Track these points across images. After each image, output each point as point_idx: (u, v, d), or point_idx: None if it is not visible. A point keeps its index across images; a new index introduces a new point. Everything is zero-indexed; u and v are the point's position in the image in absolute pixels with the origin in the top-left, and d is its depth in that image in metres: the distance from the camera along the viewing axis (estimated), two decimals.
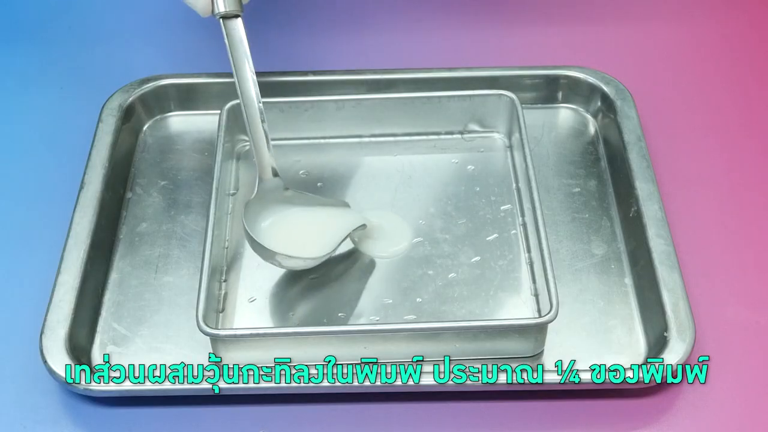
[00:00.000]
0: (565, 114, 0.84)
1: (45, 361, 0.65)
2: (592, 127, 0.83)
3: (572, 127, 0.83)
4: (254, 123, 0.72)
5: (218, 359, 0.67)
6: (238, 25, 0.72)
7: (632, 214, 0.74)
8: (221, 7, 0.72)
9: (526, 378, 0.65)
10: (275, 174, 0.73)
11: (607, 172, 0.79)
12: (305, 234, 0.72)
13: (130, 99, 0.82)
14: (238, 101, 0.76)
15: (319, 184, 0.78)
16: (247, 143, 0.81)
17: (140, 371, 0.66)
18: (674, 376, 0.65)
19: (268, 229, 0.71)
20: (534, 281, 0.71)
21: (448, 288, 0.71)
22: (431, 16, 0.93)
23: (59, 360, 0.65)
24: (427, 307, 0.70)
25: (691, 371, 0.67)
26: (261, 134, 0.72)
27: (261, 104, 0.72)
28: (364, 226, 0.73)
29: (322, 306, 0.71)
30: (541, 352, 0.68)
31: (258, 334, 0.66)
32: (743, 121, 0.84)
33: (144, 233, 0.76)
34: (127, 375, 0.66)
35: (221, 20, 0.72)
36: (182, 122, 0.84)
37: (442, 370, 0.66)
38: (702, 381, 0.67)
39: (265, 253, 0.69)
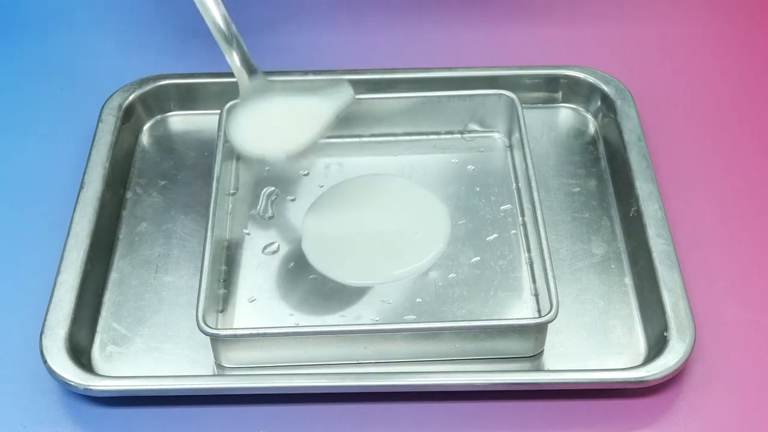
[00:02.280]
0: (565, 114, 0.84)
1: (45, 361, 0.65)
2: (592, 127, 0.83)
3: (572, 127, 0.83)
4: (214, 27, 0.71)
5: (218, 359, 0.67)
6: None
7: (632, 214, 0.74)
8: None
9: (526, 378, 0.65)
10: (253, 71, 0.72)
11: (607, 171, 0.79)
12: (286, 123, 0.71)
13: (130, 99, 0.82)
14: (238, 101, 0.76)
15: (319, 185, 0.78)
16: None
17: (140, 371, 0.67)
18: (674, 376, 0.65)
19: (244, 127, 0.71)
20: (534, 281, 0.71)
21: (448, 288, 0.71)
22: (431, 16, 0.93)
23: (59, 360, 0.65)
24: (427, 307, 0.70)
25: (691, 371, 0.67)
26: (224, 42, 0.71)
27: (223, 8, 0.71)
28: (353, 99, 0.71)
29: (322, 306, 0.71)
30: (541, 352, 0.68)
31: (258, 334, 0.66)
32: (743, 121, 0.84)
33: (144, 233, 0.76)
34: (127, 375, 0.66)
35: None
36: (182, 122, 0.84)
37: (442, 370, 0.66)
38: (702, 381, 0.67)
39: (247, 151, 0.69)
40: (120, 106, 0.81)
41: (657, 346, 0.67)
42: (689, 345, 0.65)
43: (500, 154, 0.81)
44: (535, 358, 0.67)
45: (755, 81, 0.87)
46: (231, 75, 0.83)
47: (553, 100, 0.84)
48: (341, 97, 0.72)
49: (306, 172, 0.79)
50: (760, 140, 0.82)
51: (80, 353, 0.67)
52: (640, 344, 0.68)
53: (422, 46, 0.90)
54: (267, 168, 0.79)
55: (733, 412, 0.66)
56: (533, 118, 0.82)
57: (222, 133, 0.76)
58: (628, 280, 0.72)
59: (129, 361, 0.68)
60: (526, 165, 0.74)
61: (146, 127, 0.84)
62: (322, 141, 0.81)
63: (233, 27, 0.72)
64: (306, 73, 0.83)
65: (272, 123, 0.71)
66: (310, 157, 0.73)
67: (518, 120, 0.77)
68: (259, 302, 0.71)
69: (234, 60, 0.72)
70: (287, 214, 0.76)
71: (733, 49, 0.90)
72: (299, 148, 0.70)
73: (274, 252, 0.74)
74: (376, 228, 0.74)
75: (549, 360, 0.67)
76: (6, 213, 0.78)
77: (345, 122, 0.80)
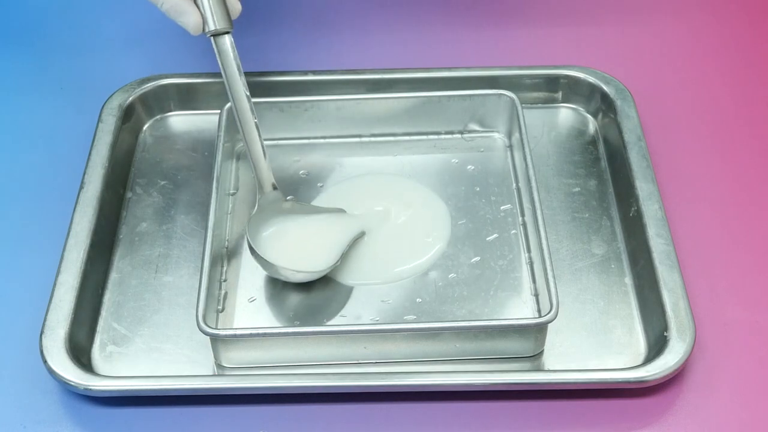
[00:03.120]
0: (565, 114, 0.84)
1: (45, 361, 0.65)
2: (592, 127, 0.83)
3: (572, 127, 0.83)
4: (252, 139, 0.72)
5: (218, 359, 0.67)
6: (229, 41, 0.72)
7: (632, 214, 0.74)
8: (212, 26, 0.72)
9: (526, 378, 0.65)
10: (275, 187, 0.73)
11: (607, 171, 0.79)
12: (308, 245, 0.72)
13: (130, 99, 0.82)
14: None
15: (319, 184, 0.78)
16: None
17: (140, 371, 0.67)
18: (674, 376, 0.65)
19: (270, 243, 0.71)
20: (534, 281, 0.71)
21: (448, 288, 0.71)
22: (431, 16, 0.93)
23: (59, 360, 0.65)
24: (427, 307, 0.70)
25: (691, 371, 0.67)
26: (259, 150, 0.72)
27: (257, 120, 0.72)
28: (363, 234, 0.73)
29: (322, 306, 0.71)
30: (541, 352, 0.68)
31: (258, 334, 0.66)
32: (743, 121, 0.84)
33: (144, 233, 0.76)
34: (127, 375, 0.66)
35: (212, 38, 0.72)
36: (182, 122, 0.84)
37: (442, 370, 0.66)
38: (702, 381, 0.67)
39: (270, 267, 0.70)
40: (120, 106, 0.81)
41: (657, 346, 0.67)
42: (689, 345, 0.65)
43: (500, 154, 0.80)
44: (535, 358, 0.67)
45: (755, 81, 0.87)
46: None
47: (553, 100, 0.84)
48: (355, 224, 0.73)
49: (306, 172, 0.79)
50: (760, 140, 0.82)
51: (80, 353, 0.67)
52: (640, 344, 0.68)
53: (422, 46, 0.90)
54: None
55: (733, 412, 0.66)
56: (533, 118, 0.82)
57: (222, 133, 0.76)
58: (628, 280, 0.72)
59: (129, 361, 0.68)
60: (526, 165, 0.74)
61: (146, 127, 0.84)
62: (321, 141, 0.81)
63: (263, 141, 0.73)
64: (306, 73, 0.83)
65: (296, 244, 0.72)
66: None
67: (518, 120, 0.77)
68: (259, 302, 0.71)
69: (263, 171, 0.73)
70: None
71: (733, 49, 0.90)
72: (317, 274, 0.71)
73: None
74: (376, 227, 0.74)
75: (549, 360, 0.67)
76: (6, 213, 0.78)
77: (345, 122, 0.81)
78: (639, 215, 0.73)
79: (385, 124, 0.81)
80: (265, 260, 0.70)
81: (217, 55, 0.72)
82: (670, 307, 0.67)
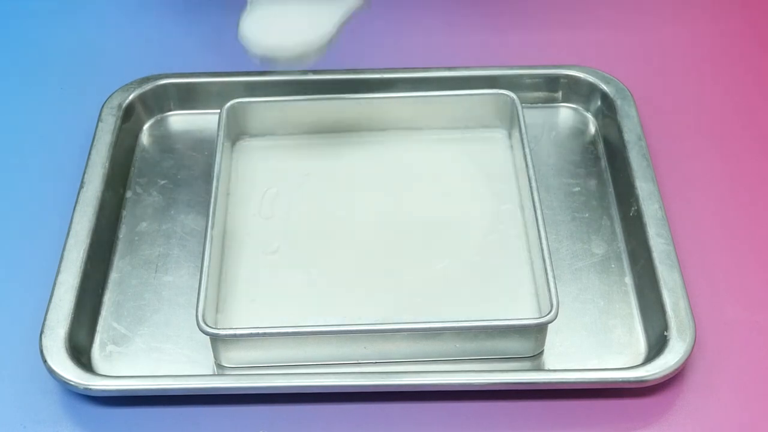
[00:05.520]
0: (565, 113, 0.84)
1: (45, 361, 0.65)
2: (592, 127, 0.83)
3: (572, 127, 0.83)
4: None
5: (218, 359, 0.67)
6: None
7: (632, 214, 0.74)
8: None
9: (526, 378, 0.65)
10: None
11: (607, 171, 0.79)
12: (292, 29, 0.72)
13: (130, 98, 0.82)
14: (238, 100, 0.76)
15: (320, 185, 0.78)
16: (247, 143, 0.81)
17: (140, 371, 0.67)
18: (674, 376, 0.65)
19: (256, 27, 0.71)
20: (534, 281, 0.71)
21: (448, 288, 0.71)
22: (431, 17, 0.93)
23: (59, 360, 0.65)
24: (427, 307, 0.70)
25: (691, 371, 0.67)
26: None
27: None
28: (360, 4, 0.72)
29: (322, 306, 0.70)
30: (541, 352, 0.68)
31: (258, 334, 0.66)
32: (743, 121, 0.84)
33: (144, 233, 0.76)
34: (127, 375, 0.66)
35: None
36: (182, 122, 0.84)
37: (442, 370, 0.66)
38: (702, 381, 0.67)
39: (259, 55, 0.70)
40: (120, 105, 0.81)
41: (657, 345, 0.67)
42: (689, 345, 0.65)
43: (500, 154, 0.80)
44: (535, 358, 0.67)
45: (755, 81, 0.87)
46: (231, 75, 0.83)
47: (553, 100, 0.84)
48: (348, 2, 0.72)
49: (306, 172, 0.79)
50: (760, 140, 0.82)
51: (80, 353, 0.67)
52: (640, 344, 0.68)
53: (422, 46, 0.90)
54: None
55: (733, 412, 0.66)
56: (533, 118, 0.82)
57: (222, 133, 0.76)
58: (628, 279, 0.72)
59: (129, 361, 0.68)
60: (526, 165, 0.74)
61: (146, 126, 0.84)
62: (322, 141, 0.81)
63: None
64: (306, 72, 0.83)
65: (282, 26, 0.71)
66: (315, 58, 0.73)
67: (518, 120, 0.77)
68: (259, 302, 0.71)
69: None
70: (287, 214, 0.76)
71: (733, 49, 0.90)
72: (307, 50, 0.70)
73: (274, 252, 0.74)
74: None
75: (549, 360, 0.67)
76: (6, 213, 0.78)
77: (345, 122, 0.81)
78: (639, 215, 0.73)
79: (385, 123, 0.81)
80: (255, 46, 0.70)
81: None
82: (670, 306, 0.67)
